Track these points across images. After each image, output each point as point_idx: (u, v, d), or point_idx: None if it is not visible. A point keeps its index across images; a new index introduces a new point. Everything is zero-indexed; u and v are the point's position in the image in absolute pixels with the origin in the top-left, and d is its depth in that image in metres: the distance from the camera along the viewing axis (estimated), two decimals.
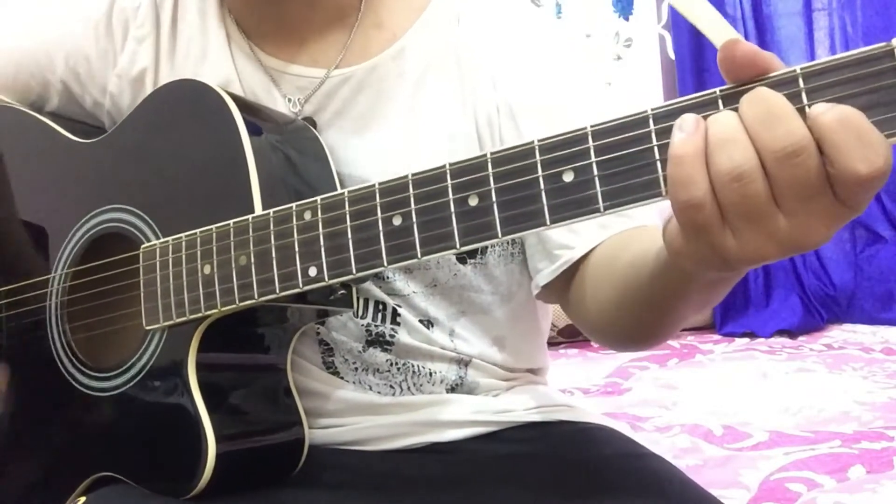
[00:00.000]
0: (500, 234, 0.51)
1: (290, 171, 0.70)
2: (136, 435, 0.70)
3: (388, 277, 0.75)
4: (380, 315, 0.76)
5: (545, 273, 0.73)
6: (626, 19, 3.35)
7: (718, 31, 0.46)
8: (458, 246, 0.53)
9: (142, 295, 0.68)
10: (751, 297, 3.04)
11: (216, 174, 0.67)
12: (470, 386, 0.80)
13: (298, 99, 0.77)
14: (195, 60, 0.79)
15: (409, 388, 0.78)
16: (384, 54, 0.76)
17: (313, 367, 0.77)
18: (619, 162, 0.48)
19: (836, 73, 0.43)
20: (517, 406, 0.80)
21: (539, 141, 0.50)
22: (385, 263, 0.56)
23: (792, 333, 2.86)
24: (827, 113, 0.42)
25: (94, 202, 0.74)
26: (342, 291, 0.66)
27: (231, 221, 0.63)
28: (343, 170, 0.74)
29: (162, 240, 0.67)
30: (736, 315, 3.00)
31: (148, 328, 0.68)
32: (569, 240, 0.71)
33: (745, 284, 3.01)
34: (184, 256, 0.65)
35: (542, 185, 0.50)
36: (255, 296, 0.62)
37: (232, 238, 0.63)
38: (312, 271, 0.59)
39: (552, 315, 0.90)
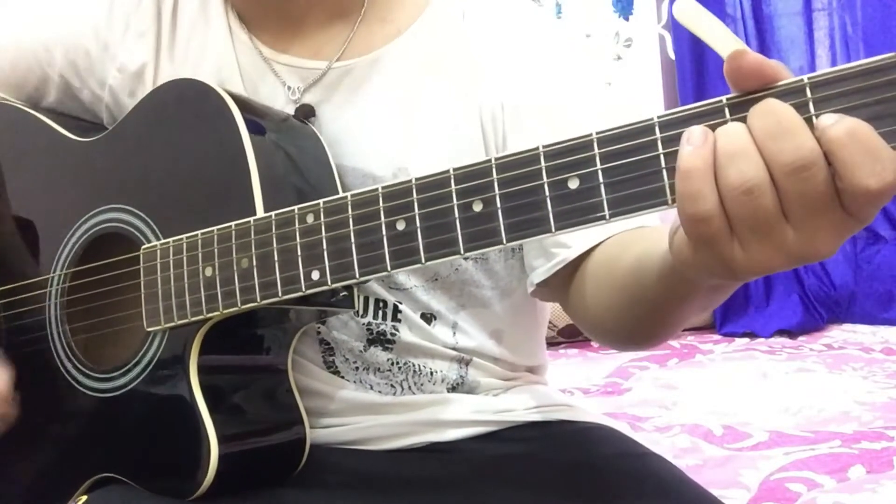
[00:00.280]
0: (504, 241, 0.51)
1: (292, 171, 0.70)
2: (138, 436, 0.70)
3: None
4: (380, 313, 0.76)
5: (540, 271, 0.72)
6: (626, 19, 3.35)
7: (724, 41, 0.46)
8: (462, 252, 0.52)
9: (142, 296, 0.68)
10: (751, 297, 3.04)
11: (217, 175, 0.67)
12: (470, 385, 0.80)
13: (298, 87, 0.77)
14: (196, 53, 0.79)
15: (409, 387, 0.78)
16: (387, 47, 0.76)
17: (314, 367, 0.77)
18: (624, 169, 0.47)
19: (843, 83, 0.43)
20: (517, 406, 0.80)
21: (544, 147, 0.50)
22: (389, 268, 0.55)
23: (792, 333, 2.86)
24: (835, 126, 0.41)
25: (93, 202, 0.74)
26: (344, 293, 0.66)
27: (233, 223, 0.63)
28: (344, 162, 0.74)
29: (163, 241, 0.67)
30: (736, 315, 3.00)
31: (149, 329, 0.68)
32: (567, 238, 0.70)
33: (745, 284, 3.00)
34: (185, 258, 0.65)
35: (547, 192, 0.50)
36: (258, 299, 0.61)
37: (234, 240, 0.63)
38: (315, 275, 0.59)
39: (551, 315, 0.90)
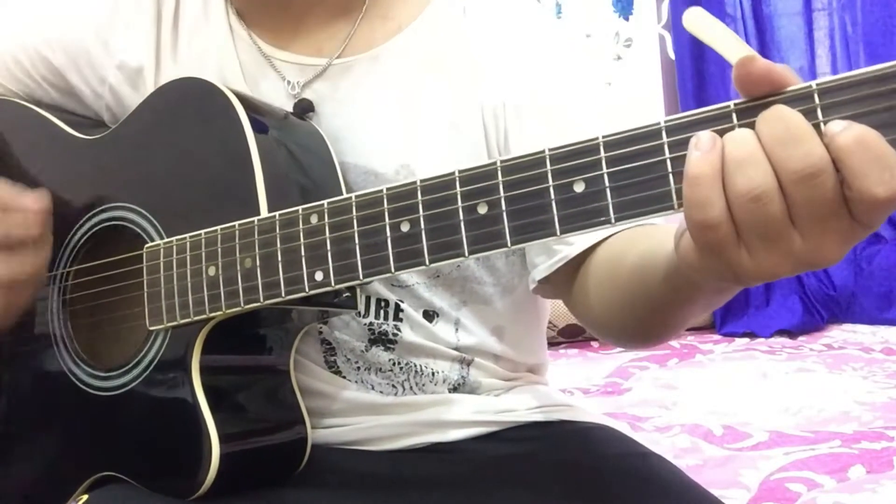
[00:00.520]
0: (509, 244, 0.51)
1: (296, 170, 0.70)
2: (139, 435, 0.70)
3: None
4: (382, 313, 0.76)
5: (542, 268, 0.72)
6: (626, 19, 3.35)
7: (732, 48, 0.46)
8: (466, 254, 0.52)
9: (145, 295, 0.68)
10: (751, 297, 3.04)
11: (221, 174, 0.67)
12: (472, 386, 0.80)
13: (298, 82, 0.77)
14: (198, 52, 0.79)
15: (411, 387, 0.78)
16: (388, 44, 0.77)
17: (316, 367, 0.77)
18: (630, 174, 0.47)
19: (852, 90, 0.42)
20: (519, 406, 0.80)
21: (550, 150, 0.50)
22: (392, 270, 0.55)
23: (792, 333, 2.86)
24: (844, 133, 0.41)
25: (97, 200, 0.74)
26: (347, 293, 0.66)
27: (236, 223, 0.63)
28: (346, 159, 0.74)
29: (166, 240, 0.67)
30: (736, 315, 3.00)
31: (151, 328, 0.68)
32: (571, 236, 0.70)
33: None
34: (188, 257, 0.65)
35: (552, 195, 0.49)
36: (261, 299, 0.61)
37: (237, 240, 0.63)
38: (319, 276, 0.59)
39: (551, 315, 0.90)
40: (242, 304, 0.62)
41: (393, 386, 0.78)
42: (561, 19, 3.23)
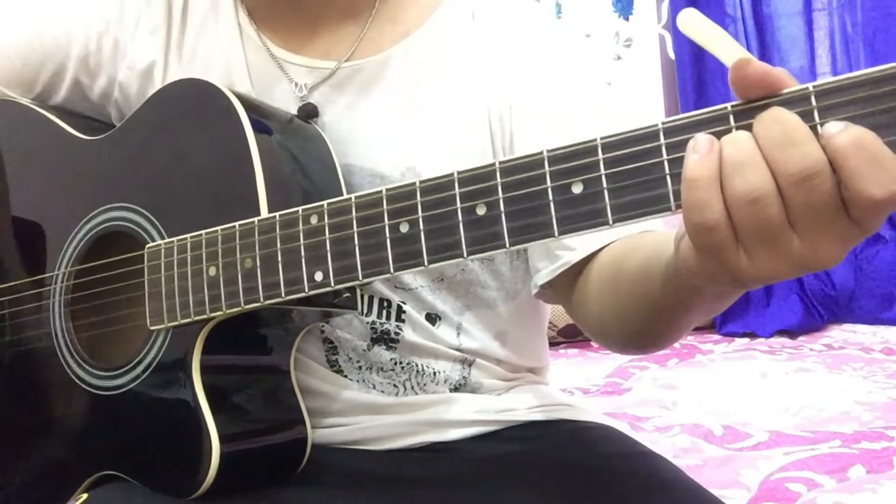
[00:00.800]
0: (507, 245, 0.51)
1: (296, 172, 0.70)
2: (140, 434, 0.70)
3: None
4: (385, 312, 0.76)
5: (544, 273, 0.73)
6: (626, 19, 3.35)
7: (728, 50, 0.46)
8: (465, 255, 0.53)
9: (146, 295, 0.68)
10: (751, 297, 3.04)
11: (222, 176, 0.67)
12: (473, 386, 0.80)
13: (306, 84, 0.77)
14: (205, 51, 0.79)
15: (412, 387, 0.78)
16: (396, 48, 0.77)
17: (317, 366, 0.77)
18: (628, 175, 0.47)
19: (849, 91, 0.43)
20: (519, 405, 0.80)
21: (548, 151, 0.50)
22: (392, 270, 0.55)
23: (792, 333, 2.86)
24: (841, 135, 0.41)
25: (98, 200, 0.74)
26: (347, 294, 0.66)
27: (237, 223, 0.63)
28: (352, 162, 0.74)
29: (167, 240, 0.68)
30: (736, 315, 3.00)
31: (152, 328, 0.68)
32: (571, 241, 0.70)
33: None
34: (189, 258, 0.65)
35: (550, 197, 0.50)
36: (261, 299, 0.61)
37: (237, 240, 0.63)
38: (318, 276, 0.59)
39: (551, 315, 0.90)
40: (243, 304, 0.62)
41: (394, 385, 0.78)
42: (561, 19, 3.23)
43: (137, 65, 0.81)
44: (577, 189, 0.49)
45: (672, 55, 3.26)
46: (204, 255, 0.65)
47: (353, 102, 0.76)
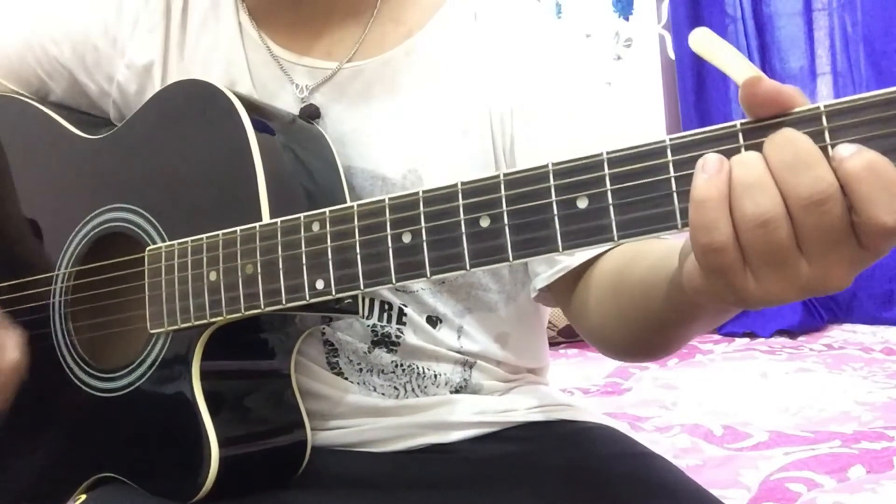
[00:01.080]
0: (511, 258, 0.51)
1: (299, 174, 0.70)
2: (139, 437, 0.70)
3: None
4: (385, 315, 0.76)
5: (543, 277, 0.72)
6: (626, 19, 3.35)
7: (739, 68, 0.45)
8: (467, 267, 0.52)
9: (146, 298, 0.68)
10: None
11: (224, 178, 0.67)
12: (474, 388, 0.80)
13: (307, 86, 0.77)
14: (206, 50, 0.79)
15: (413, 389, 0.78)
16: (398, 49, 0.76)
17: (318, 368, 0.77)
18: (635, 191, 0.47)
19: (861, 112, 0.42)
20: (519, 405, 0.80)
21: (553, 165, 0.49)
22: (394, 281, 0.55)
23: (792, 333, 2.86)
24: (853, 158, 0.41)
25: (99, 200, 0.74)
26: (349, 300, 0.66)
27: (238, 228, 0.63)
28: (353, 164, 0.74)
29: (168, 243, 0.67)
30: (736, 315, 2.97)
31: (152, 332, 0.68)
32: None
33: None
34: (189, 262, 0.65)
35: (555, 211, 0.49)
36: (262, 306, 0.61)
37: (238, 246, 0.62)
38: (320, 284, 0.58)
39: (551, 315, 0.90)
40: (243, 311, 0.62)
41: (395, 388, 0.78)
42: (561, 19, 3.23)
43: (136, 64, 0.80)
44: (583, 204, 0.48)
45: (672, 55, 3.26)
46: (205, 259, 0.64)
47: (354, 104, 0.76)
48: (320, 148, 0.73)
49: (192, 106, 0.70)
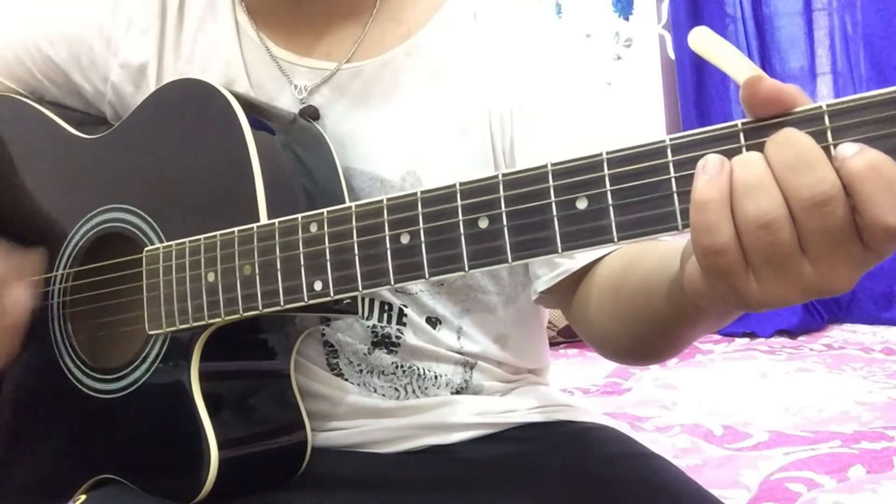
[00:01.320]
0: (510, 259, 0.50)
1: (297, 174, 0.70)
2: (138, 439, 0.70)
3: None
4: (386, 316, 0.75)
5: (544, 280, 0.72)
6: (626, 19, 3.35)
7: (740, 68, 0.45)
8: (466, 269, 0.51)
9: (144, 299, 0.68)
10: None
11: (221, 179, 0.67)
12: (475, 389, 0.80)
13: (305, 87, 0.76)
14: (204, 50, 0.79)
15: (413, 391, 0.78)
16: (397, 49, 0.76)
17: (318, 369, 0.77)
18: (634, 192, 0.46)
19: (863, 112, 0.41)
20: (520, 406, 0.80)
21: (553, 165, 0.49)
22: (392, 282, 0.54)
23: (792, 333, 2.86)
24: (855, 158, 0.40)
25: (97, 201, 0.74)
26: (347, 301, 0.65)
27: (236, 229, 0.62)
28: (352, 165, 0.74)
29: (165, 244, 0.67)
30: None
31: (150, 333, 0.67)
32: None
33: None
34: (187, 262, 0.65)
35: (554, 212, 0.49)
36: (260, 307, 0.61)
37: (236, 247, 0.62)
38: (318, 285, 0.58)
39: (551, 315, 0.89)
40: (241, 312, 0.62)
41: (395, 389, 0.77)
42: (561, 19, 3.23)
43: (130, 64, 0.80)
44: (582, 204, 0.48)
45: (672, 55, 3.26)
46: (202, 260, 0.64)
47: (353, 105, 0.76)
48: (319, 148, 0.72)
49: (189, 105, 0.70)
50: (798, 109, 0.43)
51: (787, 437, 1.72)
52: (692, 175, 0.44)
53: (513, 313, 0.80)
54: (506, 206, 0.50)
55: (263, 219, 0.63)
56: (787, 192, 0.41)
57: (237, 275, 0.62)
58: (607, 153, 0.47)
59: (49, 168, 0.80)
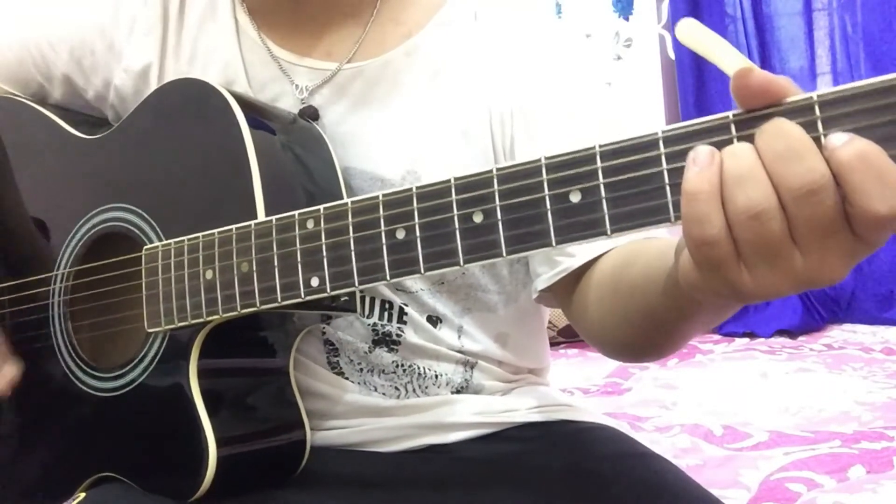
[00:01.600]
0: (504, 253, 0.50)
1: (295, 173, 0.70)
2: (138, 437, 0.70)
3: None
4: (386, 314, 0.75)
5: (544, 278, 0.72)
6: (626, 19, 3.35)
7: (729, 59, 0.45)
8: (461, 263, 0.52)
9: (143, 297, 0.68)
10: None
11: (219, 177, 0.67)
12: (475, 388, 0.80)
13: (306, 87, 0.76)
14: (204, 51, 0.79)
15: (413, 390, 0.77)
16: (398, 50, 0.76)
17: (318, 368, 0.77)
18: (627, 185, 0.46)
19: (854, 101, 0.41)
20: (520, 406, 0.80)
21: (546, 159, 0.49)
22: (388, 277, 0.55)
23: (792, 333, 2.86)
24: (845, 147, 0.40)
25: (97, 200, 0.74)
26: (345, 298, 0.66)
27: (234, 227, 0.63)
28: (352, 165, 0.74)
29: (164, 242, 0.67)
30: (736, 315, 2.98)
31: (149, 331, 0.68)
32: (571, 247, 0.70)
33: None
34: (186, 260, 0.65)
35: (548, 205, 0.49)
36: (258, 304, 0.61)
37: (234, 244, 0.62)
38: (315, 281, 0.58)
39: (551, 315, 0.89)
40: (239, 309, 0.62)
41: (396, 388, 0.77)
42: (561, 19, 3.23)
43: (133, 67, 0.80)
44: (576, 198, 0.48)
45: (672, 55, 3.26)
46: (201, 258, 0.64)
47: (354, 105, 0.76)
48: (318, 148, 0.72)
49: (188, 105, 0.70)
50: (788, 100, 0.43)
51: (787, 437, 1.72)
52: (684, 167, 0.44)
53: (513, 312, 0.80)
54: (500, 201, 0.51)
55: (261, 217, 0.63)
56: (777, 183, 0.41)
57: (235, 272, 0.62)
58: (600, 146, 0.48)
59: (49, 168, 0.80)
